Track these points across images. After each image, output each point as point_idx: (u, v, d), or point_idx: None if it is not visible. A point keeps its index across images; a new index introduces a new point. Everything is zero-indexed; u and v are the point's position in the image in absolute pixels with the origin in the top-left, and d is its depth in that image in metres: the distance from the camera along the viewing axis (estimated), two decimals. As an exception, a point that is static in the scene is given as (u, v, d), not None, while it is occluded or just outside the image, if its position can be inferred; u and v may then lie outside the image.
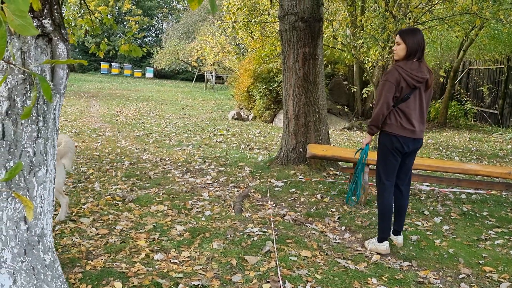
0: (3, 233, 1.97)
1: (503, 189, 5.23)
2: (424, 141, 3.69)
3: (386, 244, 3.63)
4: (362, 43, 8.89)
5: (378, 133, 3.68)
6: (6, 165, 1.88)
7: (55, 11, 1.80)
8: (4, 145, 1.91)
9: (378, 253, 3.61)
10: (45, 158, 2.02)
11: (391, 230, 3.76)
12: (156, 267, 3.09)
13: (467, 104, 13.96)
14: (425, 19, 8.75)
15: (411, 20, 8.26)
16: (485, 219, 4.65)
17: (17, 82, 1.86)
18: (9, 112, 1.89)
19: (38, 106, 1.90)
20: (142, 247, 3.43)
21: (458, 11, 8.77)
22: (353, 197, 4.85)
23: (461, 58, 12.90)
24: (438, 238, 4.00)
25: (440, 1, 8.32)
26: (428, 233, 4.12)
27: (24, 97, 1.86)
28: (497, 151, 9.28)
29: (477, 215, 4.76)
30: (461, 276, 3.29)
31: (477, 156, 8.55)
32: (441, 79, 13.03)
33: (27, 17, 0.99)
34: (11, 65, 1.71)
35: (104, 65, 35.27)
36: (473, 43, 11.87)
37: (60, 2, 1.88)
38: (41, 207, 2.06)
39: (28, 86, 1.85)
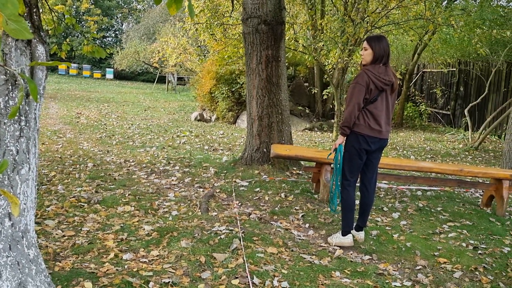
0: None
1: (455, 186, 5.53)
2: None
3: (349, 237, 3.80)
4: (323, 45, 9.13)
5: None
6: None
7: (34, 14, 1.84)
8: None
9: (342, 247, 3.77)
10: (27, 156, 2.07)
11: (354, 226, 3.94)
12: (126, 266, 3.12)
13: (422, 105, 14.57)
14: (382, 24, 9.09)
15: (368, 24, 8.56)
16: (439, 214, 4.92)
17: None
18: None
19: (20, 106, 1.93)
20: (111, 248, 3.44)
21: (413, 16, 9.17)
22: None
23: (416, 61, 13.44)
24: (396, 232, 4.22)
25: (396, 6, 8.67)
26: (387, 228, 4.33)
27: (7, 97, 1.89)
28: (450, 150, 9.75)
29: (432, 210, 5.03)
30: (418, 267, 3.50)
31: (432, 155, 8.96)
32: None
33: (22, 22, 1.03)
34: (0, 66, 1.74)
35: (62, 66, 34.27)
36: (426, 47, 12.40)
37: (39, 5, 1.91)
38: (25, 204, 2.10)
39: (10, 87, 1.88)
